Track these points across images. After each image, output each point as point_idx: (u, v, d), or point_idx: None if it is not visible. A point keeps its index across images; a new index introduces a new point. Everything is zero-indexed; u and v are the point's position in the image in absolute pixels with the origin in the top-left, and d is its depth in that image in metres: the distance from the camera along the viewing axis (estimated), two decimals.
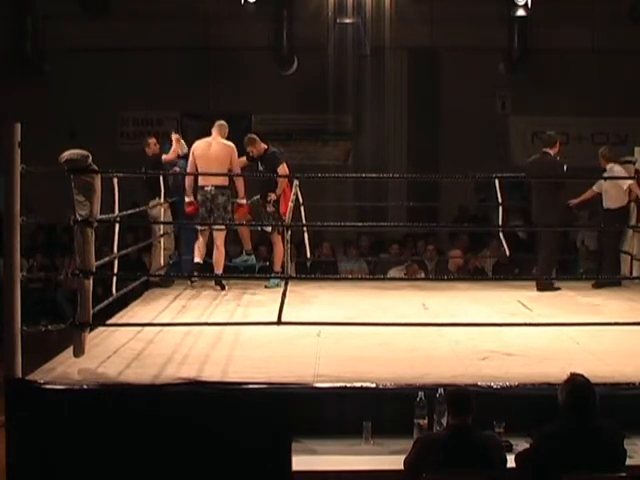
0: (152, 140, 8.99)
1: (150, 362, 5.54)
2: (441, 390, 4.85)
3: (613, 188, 8.86)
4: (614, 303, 7.92)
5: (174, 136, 8.92)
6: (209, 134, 8.51)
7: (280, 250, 8.48)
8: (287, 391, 5.02)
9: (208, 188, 8.25)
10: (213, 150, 8.32)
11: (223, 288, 8.41)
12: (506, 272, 9.81)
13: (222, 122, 8.51)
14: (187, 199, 8.41)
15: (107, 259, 6.56)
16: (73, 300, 6.03)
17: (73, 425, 4.91)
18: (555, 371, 5.13)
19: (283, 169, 8.52)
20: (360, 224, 11.47)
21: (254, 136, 8.76)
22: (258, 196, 8.66)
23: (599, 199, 9.14)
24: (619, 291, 8.59)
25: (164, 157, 8.71)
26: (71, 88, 13.47)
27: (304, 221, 8.76)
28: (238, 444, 4.87)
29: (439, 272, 10.33)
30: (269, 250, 10.15)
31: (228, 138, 8.51)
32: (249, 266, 9.13)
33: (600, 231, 9.43)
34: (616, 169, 8.90)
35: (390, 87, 13.96)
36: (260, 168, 8.61)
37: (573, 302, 8.03)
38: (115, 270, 6.94)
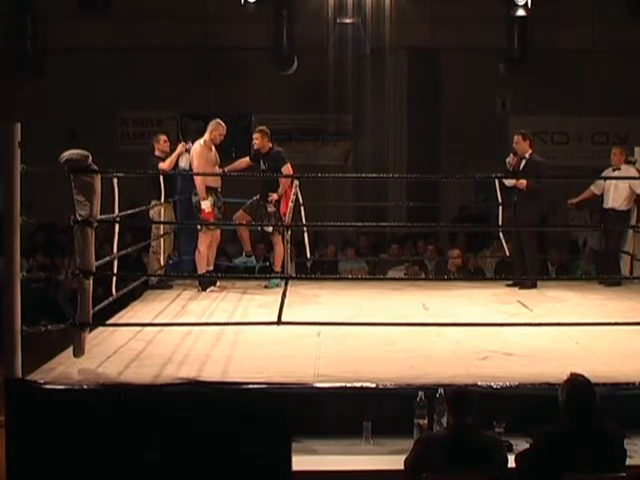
0: (163, 137, 8.85)
1: (150, 362, 5.54)
2: (441, 390, 4.85)
3: (625, 189, 8.85)
4: (614, 303, 7.92)
5: (182, 146, 8.68)
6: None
7: (280, 250, 8.46)
8: (287, 391, 5.02)
9: None
10: None
11: (204, 289, 8.40)
12: (507, 272, 9.80)
13: (213, 120, 8.52)
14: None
15: (107, 259, 6.55)
16: (73, 300, 6.03)
17: (73, 425, 4.91)
18: (555, 371, 5.13)
19: (287, 169, 8.49)
20: (360, 224, 11.47)
21: (267, 131, 8.67)
22: (257, 196, 8.64)
23: (598, 199, 9.15)
24: (619, 291, 8.58)
25: (161, 165, 8.53)
26: (71, 88, 13.47)
27: (304, 221, 8.75)
28: (238, 444, 4.87)
29: (439, 272, 10.33)
30: (267, 249, 10.17)
31: (227, 138, 8.53)
32: (249, 267, 9.13)
33: (605, 231, 9.41)
34: (631, 171, 8.89)
35: (390, 87, 13.95)
36: (262, 167, 8.59)
37: (573, 302, 8.03)
38: (115, 270, 6.94)
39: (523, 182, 8.47)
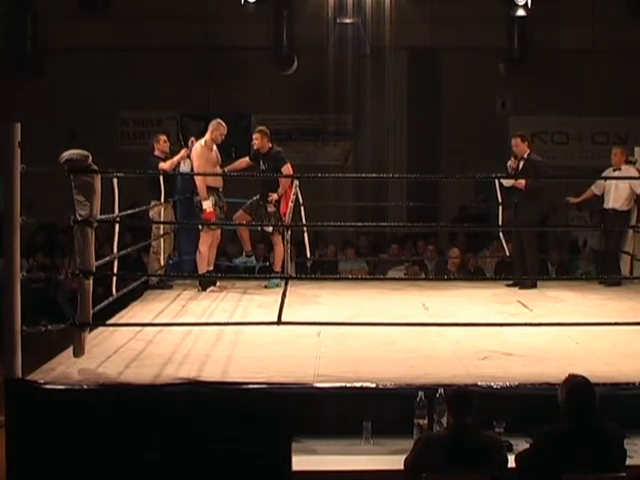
0: (163, 137, 8.82)
1: (150, 362, 5.54)
2: (441, 390, 4.85)
3: (625, 190, 8.83)
4: (614, 303, 7.92)
5: (185, 151, 8.60)
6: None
7: (280, 250, 8.46)
8: (287, 391, 5.02)
9: None
10: None
11: (204, 289, 8.39)
12: (507, 272, 9.80)
13: (214, 120, 8.52)
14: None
15: (107, 259, 6.55)
16: (73, 300, 6.02)
17: (73, 425, 4.91)
18: (555, 371, 5.13)
19: (287, 169, 8.49)
20: (360, 224, 11.47)
21: (267, 131, 8.67)
22: (257, 196, 8.64)
23: (599, 199, 9.15)
24: (619, 291, 8.58)
25: (162, 165, 8.50)
26: (71, 88, 13.47)
27: (304, 221, 8.75)
28: (238, 444, 4.87)
29: (439, 272, 10.33)
30: (268, 248, 10.16)
31: (227, 138, 8.53)
32: (249, 267, 9.13)
33: (605, 231, 9.40)
34: (632, 171, 8.88)
35: (390, 87, 13.96)
36: (262, 167, 8.59)
37: (573, 302, 8.02)
38: (115, 270, 6.94)
39: (522, 182, 8.47)
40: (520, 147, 8.66)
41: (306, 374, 5.29)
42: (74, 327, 5.34)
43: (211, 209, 8.21)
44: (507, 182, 8.67)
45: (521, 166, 8.63)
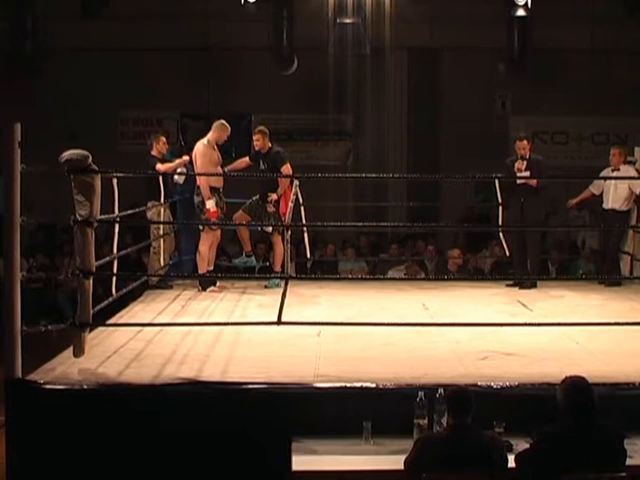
0: (163, 138, 8.82)
1: (150, 362, 5.54)
2: (441, 390, 4.85)
3: (624, 190, 8.83)
4: (614, 303, 7.92)
5: (184, 159, 8.63)
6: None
7: (280, 250, 8.46)
8: (287, 391, 5.02)
9: None
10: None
11: (204, 289, 8.39)
12: (505, 272, 9.80)
13: (218, 121, 8.51)
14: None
15: (107, 259, 6.55)
16: (73, 300, 6.03)
17: (73, 425, 4.91)
18: (555, 371, 5.14)
19: (287, 169, 8.49)
20: (360, 224, 11.48)
21: (266, 130, 8.67)
22: (257, 196, 8.64)
23: (597, 199, 9.16)
24: (619, 291, 8.59)
25: (159, 166, 8.46)
26: (71, 88, 13.48)
27: (304, 221, 8.75)
28: (238, 444, 4.87)
29: (439, 272, 10.33)
30: (268, 248, 10.16)
31: (228, 138, 8.53)
32: (249, 267, 9.13)
33: (604, 231, 9.40)
34: (630, 171, 8.88)
35: (390, 87, 13.97)
36: (262, 167, 8.59)
37: (573, 302, 8.03)
38: (115, 270, 6.94)
39: (533, 181, 8.49)
40: (527, 149, 8.69)
41: (306, 374, 5.29)
42: (74, 327, 5.34)
43: (214, 208, 8.21)
44: (520, 180, 8.67)
45: (525, 166, 8.66)
